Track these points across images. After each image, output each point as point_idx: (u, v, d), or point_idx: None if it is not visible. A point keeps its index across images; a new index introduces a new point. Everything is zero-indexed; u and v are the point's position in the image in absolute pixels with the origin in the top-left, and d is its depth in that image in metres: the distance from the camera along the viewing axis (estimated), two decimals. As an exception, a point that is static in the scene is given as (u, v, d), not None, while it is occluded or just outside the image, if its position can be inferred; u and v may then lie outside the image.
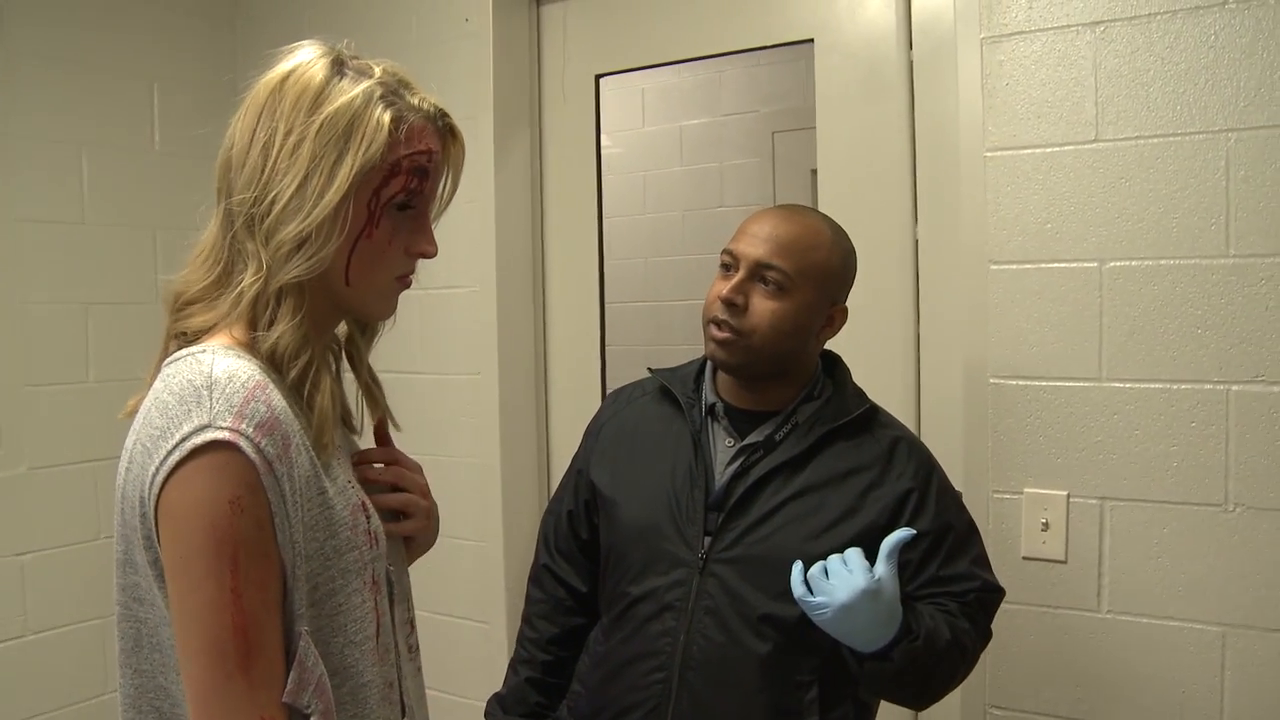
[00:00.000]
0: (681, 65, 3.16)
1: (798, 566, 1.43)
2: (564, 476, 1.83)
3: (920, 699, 1.54)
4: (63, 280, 2.55)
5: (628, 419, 1.73)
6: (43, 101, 2.50)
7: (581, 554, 1.76)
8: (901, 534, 1.41)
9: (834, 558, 1.42)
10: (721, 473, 1.58)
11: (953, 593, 1.52)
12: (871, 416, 1.61)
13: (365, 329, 1.26)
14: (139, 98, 2.69)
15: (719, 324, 1.55)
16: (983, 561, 1.59)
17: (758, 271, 1.54)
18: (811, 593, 1.40)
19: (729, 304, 1.53)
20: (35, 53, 2.48)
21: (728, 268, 1.57)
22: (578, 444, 1.84)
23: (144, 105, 2.70)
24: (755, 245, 1.54)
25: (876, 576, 1.37)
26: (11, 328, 2.46)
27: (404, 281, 1.17)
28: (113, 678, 2.57)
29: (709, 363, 1.67)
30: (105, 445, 2.59)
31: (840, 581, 1.38)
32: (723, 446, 1.61)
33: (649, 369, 1.76)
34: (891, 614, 1.40)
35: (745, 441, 1.59)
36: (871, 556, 1.49)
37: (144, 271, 2.69)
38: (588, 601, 1.75)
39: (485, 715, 1.78)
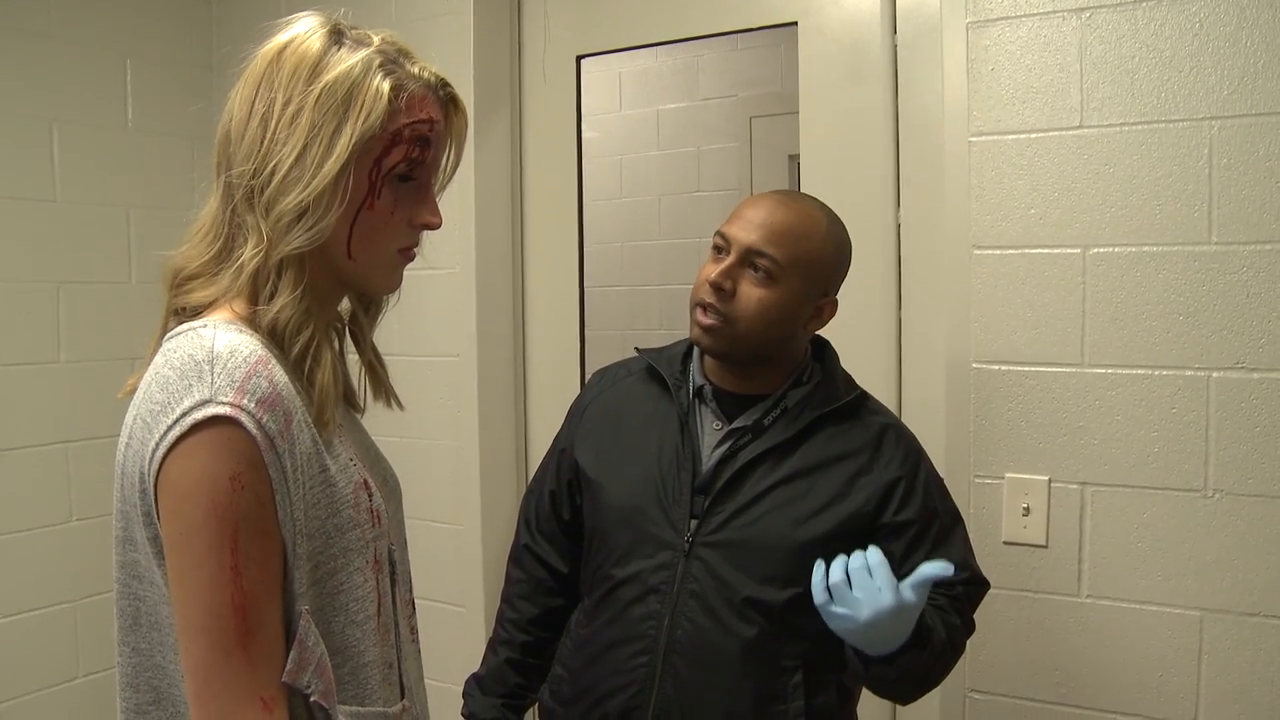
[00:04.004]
0: (659, 49, 3.15)
1: (819, 570, 1.39)
2: (545, 455, 1.81)
3: (912, 696, 1.54)
4: (33, 259, 2.50)
5: (613, 399, 1.71)
6: (12, 75, 2.45)
7: (563, 534, 1.75)
8: (940, 568, 1.34)
9: (857, 561, 1.37)
10: (709, 456, 1.57)
11: (940, 585, 1.52)
12: (861, 403, 1.60)
13: (369, 307, 1.24)
14: (112, 72, 2.64)
15: (705, 308, 1.52)
16: (968, 552, 1.60)
17: (748, 258, 1.51)
18: (833, 599, 1.37)
19: (717, 288, 1.51)
20: (4, 26, 2.43)
21: (720, 250, 1.54)
22: (556, 427, 1.82)
23: (117, 80, 2.65)
24: (748, 230, 1.52)
25: (904, 599, 1.33)
26: (-20, 306, 2.42)
27: (407, 254, 1.16)
28: (85, 662, 2.59)
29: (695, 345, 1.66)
30: (76, 427, 2.56)
31: (866, 597, 1.34)
32: (710, 429, 1.59)
33: (636, 349, 1.75)
34: (909, 627, 1.38)
35: (733, 425, 1.57)
36: (858, 542, 1.49)
37: (117, 250, 2.65)
38: (569, 582, 1.74)
39: (463, 695, 1.77)
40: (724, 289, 1.51)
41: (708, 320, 1.52)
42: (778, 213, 1.53)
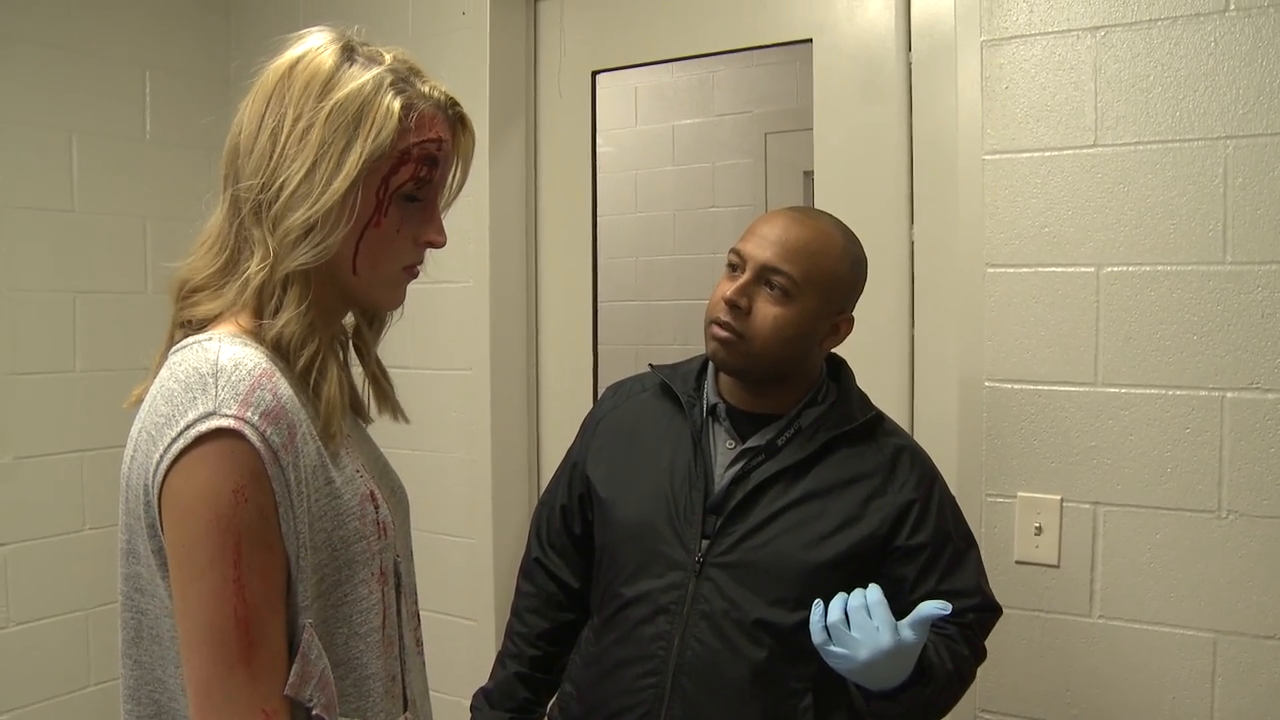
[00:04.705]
0: (674, 65, 3.15)
1: (817, 610, 1.38)
2: (558, 468, 1.81)
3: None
4: (51, 268, 2.53)
5: (626, 414, 1.71)
6: (32, 86, 2.47)
7: (574, 549, 1.74)
8: (937, 606, 1.33)
9: (856, 601, 1.36)
10: (721, 475, 1.56)
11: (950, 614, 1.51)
12: (876, 424, 1.59)
13: (372, 320, 1.25)
14: (131, 84, 2.67)
15: (721, 325, 1.51)
16: (981, 577, 1.58)
17: (764, 275, 1.50)
18: (831, 639, 1.36)
19: (732, 306, 1.50)
20: (25, 37, 2.46)
21: (734, 268, 1.54)
22: (569, 441, 1.82)
23: (136, 92, 2.68)
24: (764, 248, 1.51)
25: (903, 639, 1.32)
26: (-2, 315, 2.44)
27: (411, 271, 1.16)
28: (96, 670, 2.60)
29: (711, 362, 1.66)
30: (91, 435, 2.57)
31: (865, 637, 1.33)
32: (723, 448, 1.58)
33: (650, 365, 1.74)
34: (909, 664, 1.37)
35: (747, 444, 1.56)
36: (871, 566, 1.48)
37: (133, 261, 2.67)
38: (579, 597, 1.73)
39: (471, 709, 1.76)
40: (740, 306, 1.50)
41: (723, 335, 1.51)
42: (793, 229, 1.52)
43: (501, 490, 2.52)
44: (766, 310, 1.50)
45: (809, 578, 1.47)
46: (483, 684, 1.78)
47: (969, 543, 1.59)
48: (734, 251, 1.55)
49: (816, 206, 2.15)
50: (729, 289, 1.52)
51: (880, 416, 1.61)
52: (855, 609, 1.35)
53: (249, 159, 1.07)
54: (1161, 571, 1.77)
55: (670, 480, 1.57)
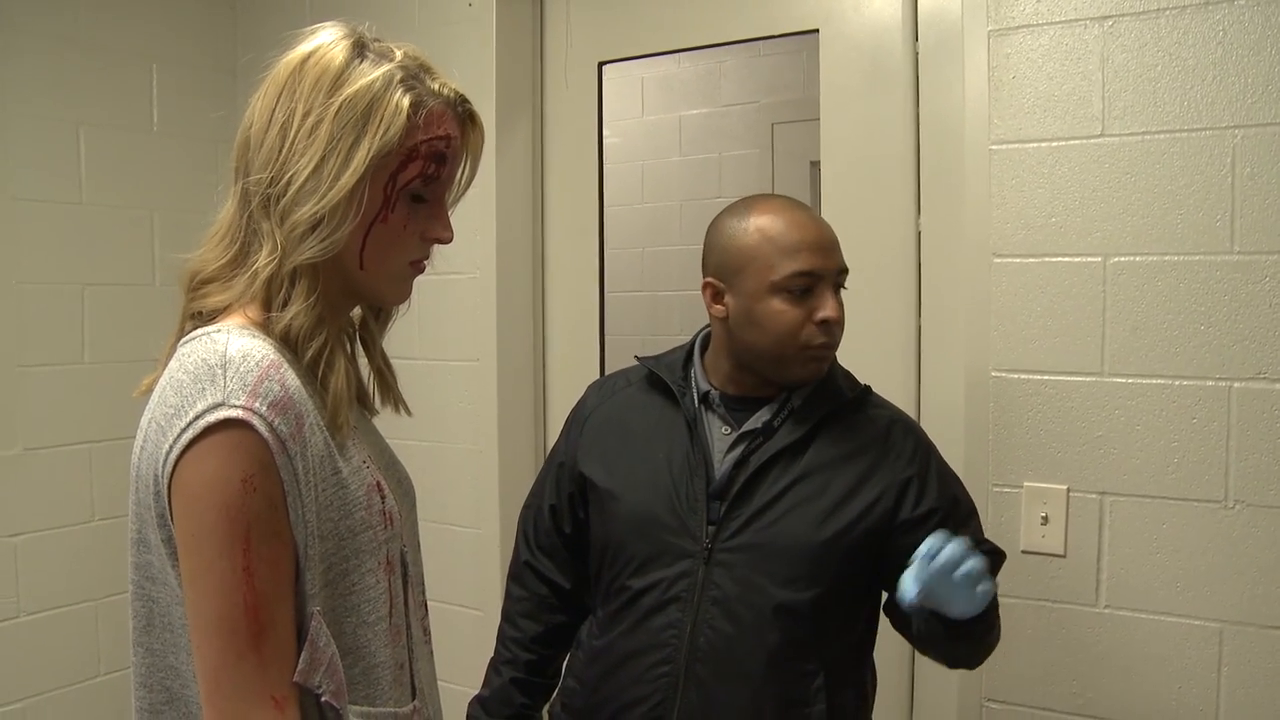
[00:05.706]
0: (681, 55, 3.15)
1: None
2: (542, 470, 1.81)
3: (981, 646, 1.53)
4: (59, 260, 2.53)
5: (614, 409, 1.70)
6: (40, 80, 2.48)
7: (564, 549, 1.74)
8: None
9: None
10: (720, 461, 1.57)
11: None
12: (865, 398, 1.61)
13: (379, 314, 1.26)
14: (137, 78, 2.67)
15: (827, 347, 1.52)
16: (981, 535, 1.60)
17: (840, 280, 1.53)
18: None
19: (840, 323, 1.52)
20: (33, 31, 2.46)
21: (806, 290, 1.50)
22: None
23: (142, 85, 2.68)
24: (831, 256, 1.52)
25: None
26: (6, 308, 2.44)
27: (418, 266, 1.17)
28: (106, 660, 2.61)
29: (695, 349, 1.66)
30: (100, 427, 2.58)
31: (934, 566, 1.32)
32: (719, 434, 1.59)
33: (636, 357, 1.73)
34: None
35: (744, 428, 1.57)
36: (877, 538, 1.50)
37: (141, 252, 2.68)
38: (571, 598, 1.73)
39: (467, 719, 1.76)
40: (842, 322, 1.53)
41: (826, 355, 1.54)
42: (824, 226, 1.55)
43: (508, 481, 2.52)
44: (840, 310, 1.53)
45: (818, 554, 1.48)
46: (477, 693, 1.77)
47: (972, 506, 1.61)
48: (803, 274, 1.49)
49: (823, 197, 2.15)
50: (825, 310, 1.50)
51: (868, 390, 1.63)
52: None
53: (259, 152, 1.08)
54: (1168, 561, 1.77)
55: (669, 470, 1.58)
